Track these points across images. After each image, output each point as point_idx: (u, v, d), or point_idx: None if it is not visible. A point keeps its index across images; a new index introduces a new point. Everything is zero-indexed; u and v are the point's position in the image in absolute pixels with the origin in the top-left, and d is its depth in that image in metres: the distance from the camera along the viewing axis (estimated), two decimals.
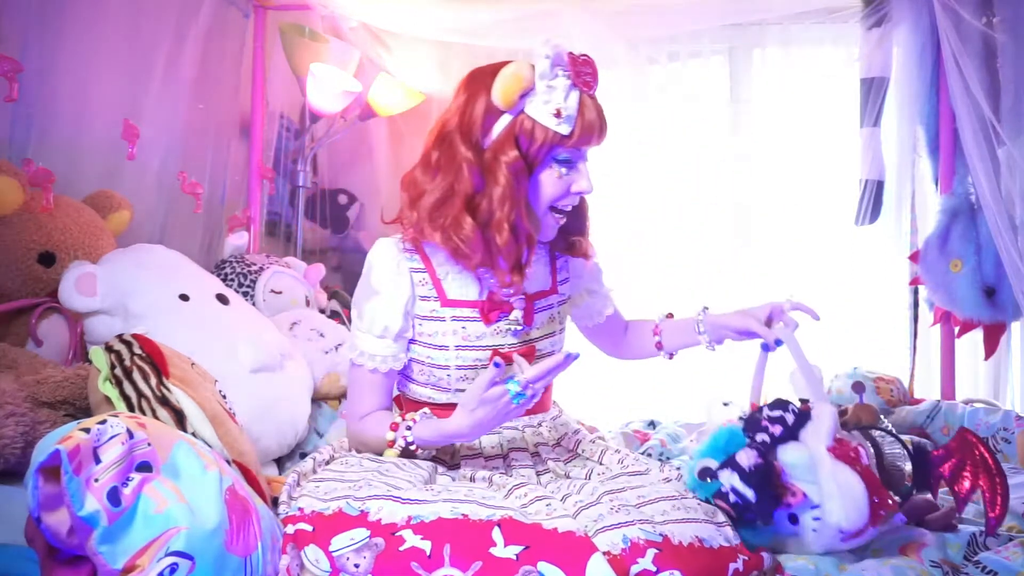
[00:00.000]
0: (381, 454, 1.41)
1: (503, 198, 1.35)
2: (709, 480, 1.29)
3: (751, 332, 1.52)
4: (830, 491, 1.23)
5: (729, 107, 2.96)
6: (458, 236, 1.36)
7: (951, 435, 2.08)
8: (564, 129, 1.34)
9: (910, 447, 1.43)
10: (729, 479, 1.25)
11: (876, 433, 1.51)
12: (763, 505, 1.23)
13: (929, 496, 1.43)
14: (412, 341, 1.45)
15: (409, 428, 1.36)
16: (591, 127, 1.36)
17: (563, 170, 1.38)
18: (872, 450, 1.48)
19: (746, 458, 1.26)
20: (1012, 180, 2.25)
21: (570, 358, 1.26)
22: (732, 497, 1.23)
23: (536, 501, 1.22)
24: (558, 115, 1.33)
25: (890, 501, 1.24)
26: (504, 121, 1.36)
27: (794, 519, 1.27)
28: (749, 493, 1.23)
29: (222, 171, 2.71)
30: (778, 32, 2.86)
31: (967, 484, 1.31)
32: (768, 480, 1.24)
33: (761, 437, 1.31)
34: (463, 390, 1.44)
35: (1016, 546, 1.28)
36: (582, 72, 1.35)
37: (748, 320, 1.51)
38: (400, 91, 2.88)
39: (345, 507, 1.18)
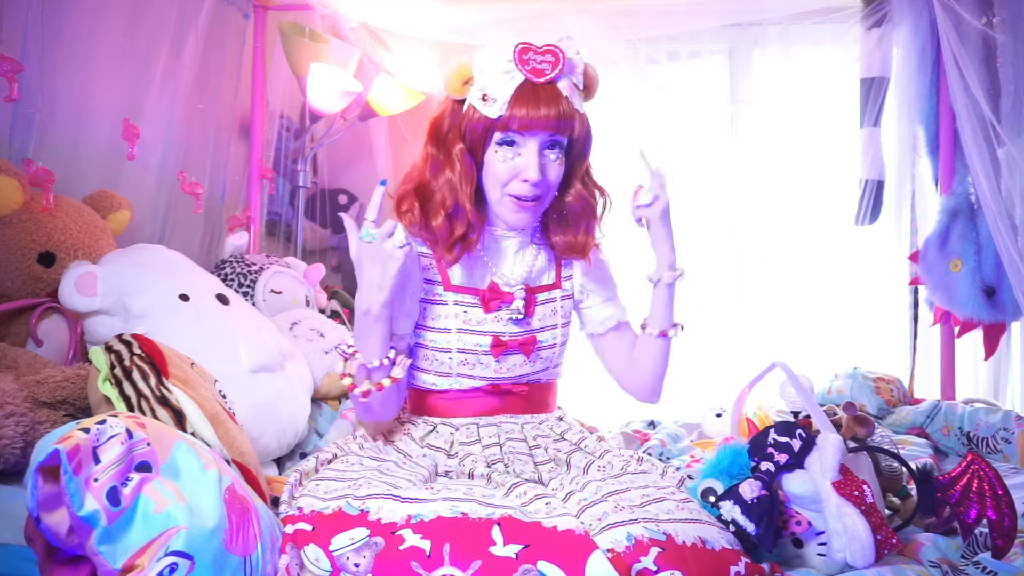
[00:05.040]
0: (375, 427, 1.45)
1: (447, 184, 1.41)
2: (712, 503, 1.29)
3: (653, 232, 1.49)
4: (836, 529, 1.22)
5: (729, 107, 2.96)
6: (407, 220, 1.44)
7: (951, 435, 2.10)
8: (491, 112, 1.36)
9: (915, 470, 1.41)
10: (731, 511, 1.24)
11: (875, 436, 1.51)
12: (764, 539, 1.22)
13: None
14: (418, 326, 1.46)
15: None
16: (532, 117, 1.35)
17: (508, 154, 1.39)
18: (871, 462, 1.47)
19: (749, 490, 1.25)
20: (1012, 180, 2.25)
21: (383, 183, 1.33)
22: (732, 528, 1.23)
23: (536, 499, 1.22)
24: (484, 98, 1.37)
25: (894, 540, 1.23)
26: (458, 112, 1.42)
27: (799, 543, 1.27)
28: (750, 527, 1.22)
29: (222, 171, 2.71)
30: (778, 32, 2.86)
31: (973, 512, 1.28)
32: (770, 513, 1.23)
33: (766, 466, 1.30)
34: (464, 374, 1.46)
35: (1016, 546, 1.28)
36: (531, 60, 1.36)
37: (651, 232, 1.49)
38: (400, 91, 2.88)
39: (345, 506, 1.18)
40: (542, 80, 1.36)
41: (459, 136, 1.41)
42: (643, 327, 1.54)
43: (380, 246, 1.29)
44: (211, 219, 2.63)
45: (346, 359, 1.38)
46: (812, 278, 2.86)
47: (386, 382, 1.36)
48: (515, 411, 1.50)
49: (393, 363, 1.36)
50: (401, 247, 1.30)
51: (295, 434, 1.87)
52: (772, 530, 1.23)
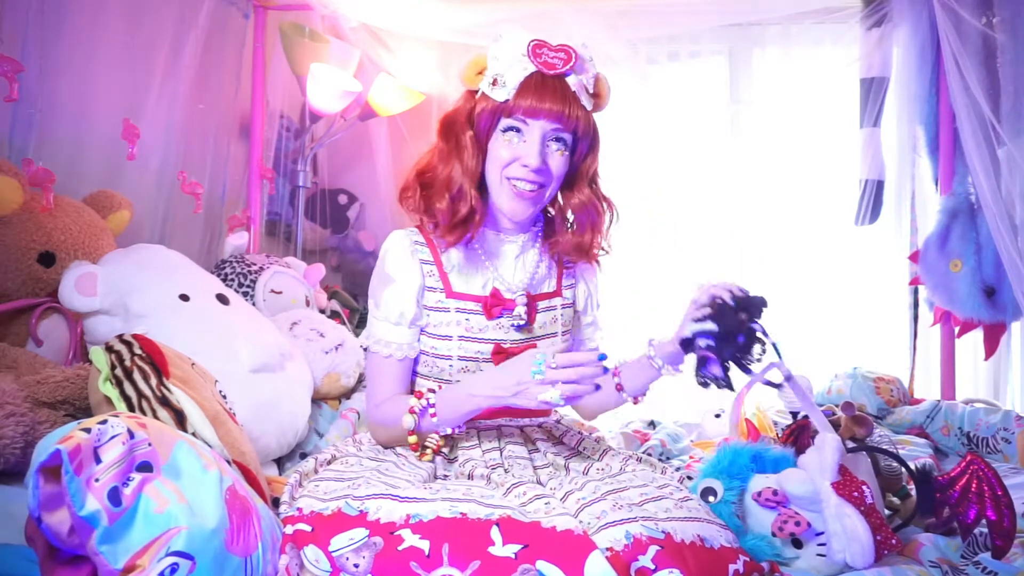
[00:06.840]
0: (397, 443, 1.45)
1: (452, 169, 1.43)
2: (711, 500, 1.29)
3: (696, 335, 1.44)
4: (836, 530, 1.22)
5: (729, 107, 2.96)
6: (411, 203, 1.48)
7: (951, 435, 2.09)
8: (498, 95, 1.40)
9: (915, 470, 1.41)
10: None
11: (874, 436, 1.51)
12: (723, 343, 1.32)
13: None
14: (421, 331, 1.47)
15: (433, 392, 1.39)
16: (538, 102, 1.38)
17: (513, 139, 1.41)
18: (870, 462, 1.47)
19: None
20: (1012, 180, 2.25)
21: (601, 358, 1.30)
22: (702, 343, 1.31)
23: (535, 500, 1.22)
24: (494, 82, 1.40)
25: (893, 541, 1.24)
26: (470, 102, 1.45)
27: (798, 544, 1.27)
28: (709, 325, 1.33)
29: (222, 171, 2.71)
30: (778, 32, 2.86)
31: (973, 512, 1.28)
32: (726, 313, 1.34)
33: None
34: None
35: (1016, 546, 1.28)
36: (544, 54, 1.39)
37: (682, 328, 1.46)
38: (400, 91, 2.88)
39: (344, 507, 1.18)
40: (552, 73, 1.39)
41: (468, 123, 1.44)
42: (614, 374, 1.55)
43: (536, 383, 1.29)
44: (211, 219, 2.63)
45: (419, 414, 1.39)
46: (812, 278, 2.86)
47: (442, 442, 1.42)
48: (513, 416, 1.51)
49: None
50: (548, 402, 1.29)
51: (295, 434, 1.87)
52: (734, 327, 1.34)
